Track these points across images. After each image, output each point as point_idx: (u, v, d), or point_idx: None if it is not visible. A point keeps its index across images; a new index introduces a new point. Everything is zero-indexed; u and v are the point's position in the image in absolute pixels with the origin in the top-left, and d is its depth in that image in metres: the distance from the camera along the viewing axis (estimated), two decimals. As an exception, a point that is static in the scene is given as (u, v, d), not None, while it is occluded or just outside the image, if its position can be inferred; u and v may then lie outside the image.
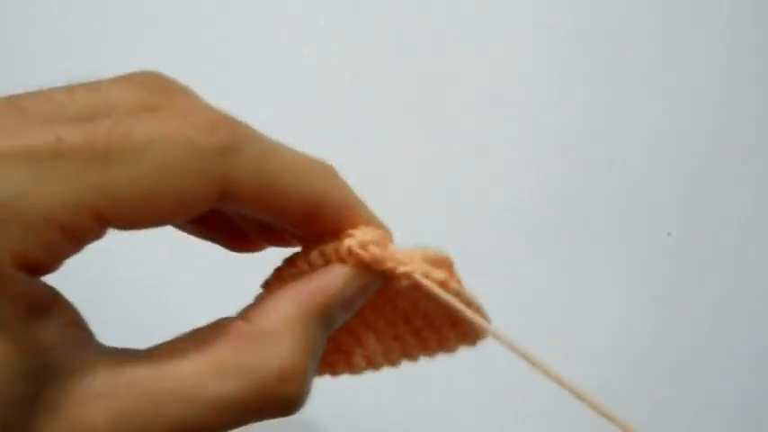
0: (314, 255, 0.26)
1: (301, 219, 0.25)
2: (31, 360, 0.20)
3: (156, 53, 0.56)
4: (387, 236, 0.28)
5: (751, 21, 0.59)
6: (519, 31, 0.58)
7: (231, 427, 0.23)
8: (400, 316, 0.30)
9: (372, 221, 0.27)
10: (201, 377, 0.22)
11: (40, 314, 0.20)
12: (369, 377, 0.31)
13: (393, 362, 0.31)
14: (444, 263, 0.28)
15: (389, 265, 0.26)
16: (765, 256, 0.57)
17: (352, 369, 0.31)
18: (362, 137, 0.55)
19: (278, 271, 0.27)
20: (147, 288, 0.51)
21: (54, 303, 0.21)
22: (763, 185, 0.57)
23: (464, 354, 0.31)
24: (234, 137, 0.22)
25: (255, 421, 0.23)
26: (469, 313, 0.28)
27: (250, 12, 0.58)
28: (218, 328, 0.24)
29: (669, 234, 0.56)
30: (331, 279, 0.25)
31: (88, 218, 0.20)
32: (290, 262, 0.27)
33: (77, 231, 0.20)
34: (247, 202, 0.23)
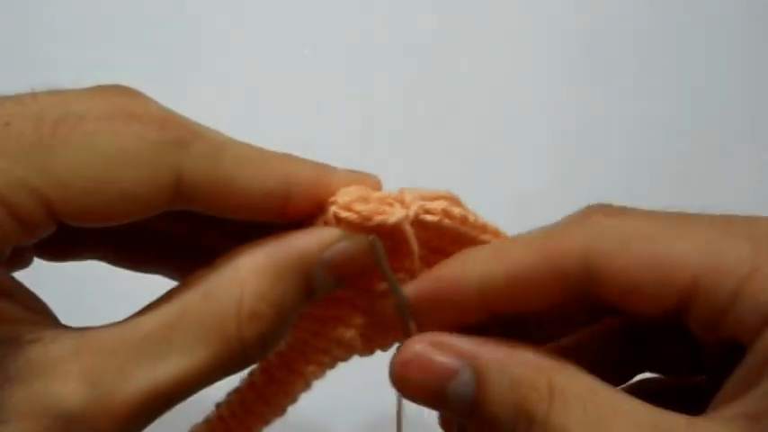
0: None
1: (271, 213, 0.24)
2: None
3: (155, 53, 0.56)
4: (373, 185, 0.26)
5: (752, 23, 0.59)
6: (522, 31, 0.58)
7: (202, 382, 0.22)
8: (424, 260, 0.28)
9: (352, 178, 0.26)
10: (169, 325, 0.22)
11: None
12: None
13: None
14: (445, 197, 0.27)
15: (380, 218, 0.25)
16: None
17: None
18: (362, 137, 0.55)
19: None
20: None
21: (14, 288, 0.22)
22: (764, 185, 0.57)
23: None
24: (183, 132, 0.22)
25: (222, 374, 0.23)
26: (479, 233, 0.27)
27: (250, 12, 0.58)
28: (185, 282, 0.24)
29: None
30: (310, 237, 0.25)
31: (32, 200, 0.20)
32: None
33: (21, 212, 0.20)
34: (203, 201, 0.23)
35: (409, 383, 0.25)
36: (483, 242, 0.27)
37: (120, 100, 0.23)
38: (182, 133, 0.22)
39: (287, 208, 0.24)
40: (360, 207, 0.25)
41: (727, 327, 0.22)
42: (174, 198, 0.22)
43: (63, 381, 0.21)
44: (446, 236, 0.27)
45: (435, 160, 0.54)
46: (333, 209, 0.25)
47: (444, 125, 0.56)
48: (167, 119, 0.23)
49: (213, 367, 0.23)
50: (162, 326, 0.22)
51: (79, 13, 0.56)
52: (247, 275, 0.23)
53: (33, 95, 0.22)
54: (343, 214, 0.25)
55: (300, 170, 0.24)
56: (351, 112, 0.56)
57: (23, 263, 0.27)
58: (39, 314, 0.22)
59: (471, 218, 0.27)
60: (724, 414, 0.22)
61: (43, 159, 0.21)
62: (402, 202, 0.26)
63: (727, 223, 0.23)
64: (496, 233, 0.28)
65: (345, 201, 0.25)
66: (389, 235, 0.25)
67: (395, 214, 0.25)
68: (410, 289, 0.26)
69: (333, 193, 0.25)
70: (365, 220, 0.25)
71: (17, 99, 0.22)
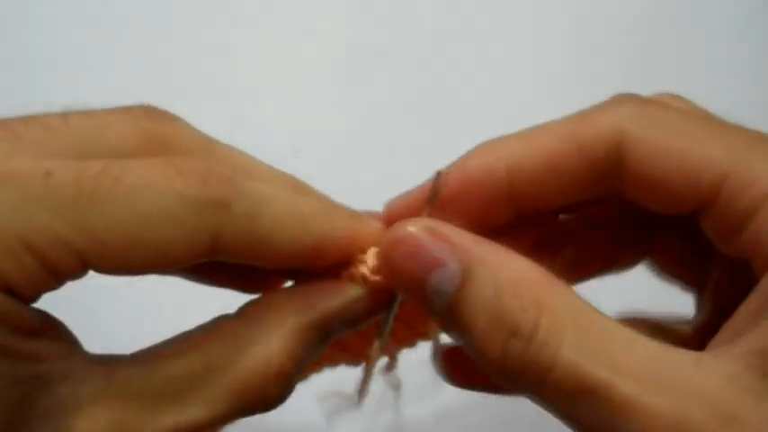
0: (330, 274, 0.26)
1: (302, 263, 0.24)
2: (20, 370, 0.20)
3: (155, 54, 0.56)
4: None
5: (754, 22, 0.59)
6: (521, 31, 0.58)
7: (220, 424, 0.23)
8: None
9: (377, 232, 0.26)
10: (193, 379, 0.22)
11: (27, 331, 0.21)
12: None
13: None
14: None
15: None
16: None
17: (334, 364, 0.31)
18: (362, 137, 0.55)
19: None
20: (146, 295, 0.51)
21: (39, 320, 0.22)
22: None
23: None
24: (225, 191, 0.22)
25: (240, 417, 0.23)
26: None
27: (250, 12, 0.58)
28: (212, 327, 0.24)
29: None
30: (336, 296, 0.25)
31: (68, 254, 0.20)
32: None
33: (56, 265, 0.20)
34: (239, 256, 0.23)
35: (394, 265, 0.24)
36: None
37: (159, 128, 0.23)
38: (223, 192, 0.22)
39: (319, 260, 0.24)
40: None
41: (743, 242, 0.21)
42: (208, 254, 0.22)
43: (90, 423, 0.21)
44: None
45: (436, 161, 0.54)
46: (362, 270, 0.25)
47: (445, 125, 0.56)
48: (209, 174, 0.22)
49: (232, 416, 0.23)
50: (187, 375, 0.22)
51: (80, 12, 0.56)
52: (277, 338, 0.24)
53: (64, 118, 0.22)
54: (372, 278, 0.25)
55: (336, 228, 0.24)
56: (350, 113, 0.56)
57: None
58: (68, 347, 0.22)
59: None
60: (732, 350, 0.21)
61: (83, 216, 0.20)
62: None
63: (760, 136, 0.22)
64: None
65: (376, 265, 0.25)
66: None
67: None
68: (430, 185, 0.25)
69: (363, 249, 0.25)
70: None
71: (46, 123, 0.22)
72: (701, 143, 0.22)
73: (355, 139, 0.55)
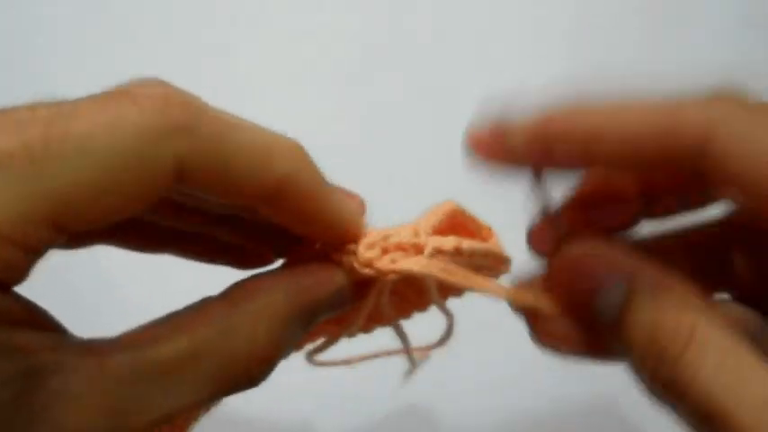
0: (317, 250, 0.26)
1: (262, 202, 0.23)
2: (13, 364, 0.20)
3: (154, 54, 0.56)
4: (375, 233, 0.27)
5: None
6: (521, 31, 0.58)
7: (205, 406, 0.23)
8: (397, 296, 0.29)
9: (342, 208, 0.25)
10: (181, 363, 0.22)
11: (12, 323, 0.20)
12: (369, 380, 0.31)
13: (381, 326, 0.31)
14: (451, 214, 0.28)
15: (395, 273, 0.26)
16: None
17: (333, 341, 0.30)
18: (362, 137, 0.55)
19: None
20: (137, 283, 0.51)
21: (28, 312, 0.21)
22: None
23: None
24: (187, 115, 0.21)
25: (222, 398, 0.24)
26: (488, 263, 0.28)
27: (250, 12, 0.58)
28: (199, 309, 0.24)
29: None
30: (325, 282, 0.25)
31: (40, 227, 0.20)
32: (295, 253, 0.27)
33: (31, 242, 0.20)
34: (203, 184, 0.22)
35: (561, 284, 0.25)
36: (484, 275, 0.28)
37: (116, 86, 0.22)
38: (186, 116, 0.21)
39: (282, 203, 0.24)
40: (379, 264, 0.25)
41: None
42: (177, 184, 0.21)
43: (84, 413, 0.21)
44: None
45: (437, 160, 0.54)
46: (354, 263, 0.25)
47: (445, 125, 0.56)
48: (167, 97, 0.21)
49: (217, 398, 0.23)
50: (176, 359, 0.22)
51: (80, 12, 0.56)
52: (263, 319, 0.23)
53: (32, 108, 0.21)
54: (362, 271, 0.25)
55: (304, 177, 0.24)
56: (350, 113, 0.56)
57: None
58: (56, 337, 0.22)
59: (478, 247, 0.27)
60: None
61: (37, 182, 0.19)
62: (416, 247, 0.26)
63: None
64: (501, 257, 0.29)
65: (366, 258, 0.25)
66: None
67: (410, 266, 0.26)
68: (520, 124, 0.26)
69: (354, 238, 0.25)
70: (382, 274, 0.26)
71: (14, 115, 0.21)
72: None
73: (355, 139, 0.55)
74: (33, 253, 0.20)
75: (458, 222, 0.28)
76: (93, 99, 0.21)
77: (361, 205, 0.27)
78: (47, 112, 0.20)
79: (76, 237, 0.22)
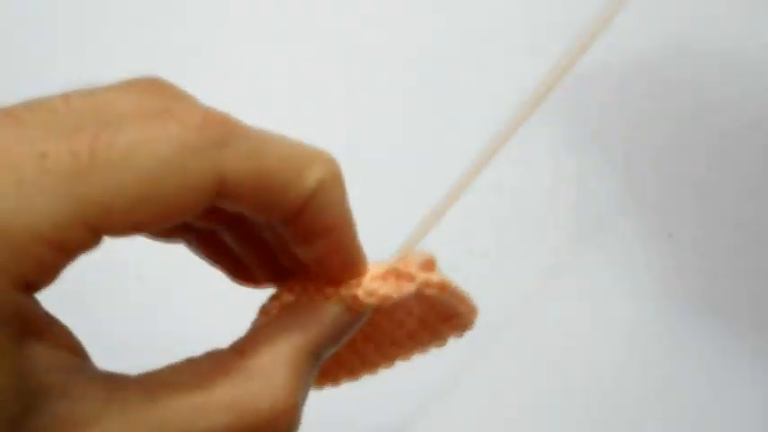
0: (312, 288, 0.26)
1: (290, 215, 0.24)
2: (22, 381, 0.20)
3: (154, 54, 0.56)
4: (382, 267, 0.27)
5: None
6: (522, 31, 0.58)
7: None
8: (396, 324, 0.31)
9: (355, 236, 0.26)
10: (195, 411, 0.22)
11: (32, 335, 0.20)
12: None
13: (390, 363, 0.32)
14: (431, 262, 0.28)
15: (392, 300, 0.27)
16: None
17: (353, 377, 0.31)
18: (362, 137, 0.55)
19: (275, 297, 0.27)
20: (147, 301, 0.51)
21: (48, 326, 0.21)
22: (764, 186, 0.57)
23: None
24: (225, 131, 0.22)
25: None
26: (465, 308, 0.29)
27: (248, 12, 0.58)
28: (211, 361, 0.24)
29: (670, 235, 0.56)
30: (323, 318, 0.26)
31: (79, 230, 0.20)
32: (287, 288, 0.27)
33: (69, 245, 0.20)
34: (241, 198, 0.23)
35: None
36: (458, 312, 0.29)
37: (155, 99, 0.23)
38: (224, 133, 0.22)
39: (298, 221, 0.24)
40: (382, 293, 0.26)
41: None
42: (216, 198, 0.22)
43: None
44: (425, 305, 0.30)
45: (436, 161, 0.54)
46: (361, 296, 0.26)
47: (445, 125, 0.56)
48: (207, 116, 0.22)
49: None
50: (189, 411, 0.22)
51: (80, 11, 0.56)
52: (277, 369, 0.24)
53: (66, 100, 0.22)
54: (366, 300, 0.26)
55: (336, 191, 0.24)
56: (350, 113, 0.56)
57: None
58: (70, 355, 0.22)
59: (459, 289, 0.29)
60: None
61: (82, 186, 0.20)
62: (409, 277, 0.27)
63: None
64: (469, 306, 0.30)
65: (371, 288, 0.26)
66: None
67: (404, 292, 0.27)
68: None
69: (357, 273, 0.26)
70: (383, 301, 0.26)
71: (49, 106, 0.21)
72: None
73: (355, 139, 0.55)
74: (66, 256, 0.20)
75: (446, 288, 0.29)
76: (136, 112, 0.22)
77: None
78: (92, 114, 0.21)
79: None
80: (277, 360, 0.24)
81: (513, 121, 0.31)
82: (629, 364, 0.54)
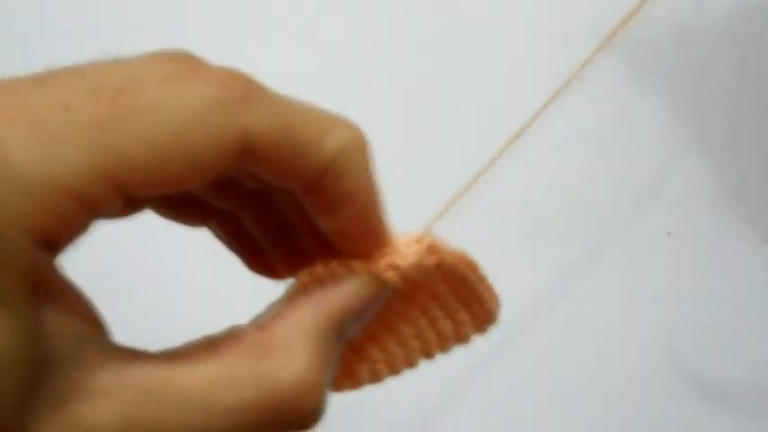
0: (335, 264, 0.26)
1: (313, 181, 0.23)
2: (34, 344, 0.19)
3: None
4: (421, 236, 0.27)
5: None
6: (522, 31, 0.58)
7: None
8: (419, 310, 0.29)
9: (380, 213, 0.25)
10: (215, 384, 0.21)
11: (47, 296, 0.19)
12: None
13: (413, 363, 0.30)
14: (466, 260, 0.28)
15: (421, 268, 0.26)
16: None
17: (376, 378, 0.30)
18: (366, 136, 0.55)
19: (299, 281, 0.26)
20: (158, 290, 0.51)
21: (64, 289, 0.20)
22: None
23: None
24: (251, 90, 0.21)
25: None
26: (489, 296, 0.28)
27: (248, 12, 0.58)
28: (232, 336, 0.23)
29: (669, 234, 0.56)
30: (346, 291, 0.25)
31: (102, 184, 0.19)
32: (311, 271, 0.26)
33: (92, 199, 0.19)
34: (267, 158, 0.22)
35: None
36: (482, 298, 0.28)
37: (181, 61, 0.22)
38: (248, 90, 0.21)
39: (318, 188, 0.23)
40: (408, 262, 0.25)
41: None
42: (241, 158, 0.21)
43: (103, 413, 0.20)
44: (450, 285, 0.28)
45: (436, 160, 0.54)
46: (385, 266, 0.25)
47: (445, 125, 0.56)
48: (232, 75, 0.21)
49: (259, 430, 0.22)
50: (209, 385, 0.21)
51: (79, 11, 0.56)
52: (299, 341, 0.23)
53: (93, 65, 0.21)
54: (392, 271, 0.25)
55: (359, 157, 0.24)
56: (350, 113, 0.56)
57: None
58: (86, 324, 0.21)
59: (480, 267, 0.28)
60: None
61: (105, 138, 0.19)
62: (436, 249, 0.26)
63: None
64: (493, 294, 0.29)
65: (397, 259, 0.25)
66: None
67: (430, 261, 0.26)
68: None
69: (385, 243, 0.25)
70: (410, 271, 0.26)
71: (74, 70, 0.21)
72: None
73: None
74: (91, 212, 0.20)
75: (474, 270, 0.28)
76: (162, 72, 0.21)
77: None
78: (117, 74, 0.21)
79: (127, 203, 0.22)
80: (299, 334, 0.23)
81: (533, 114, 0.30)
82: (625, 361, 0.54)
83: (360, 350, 0.29)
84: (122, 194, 0.20)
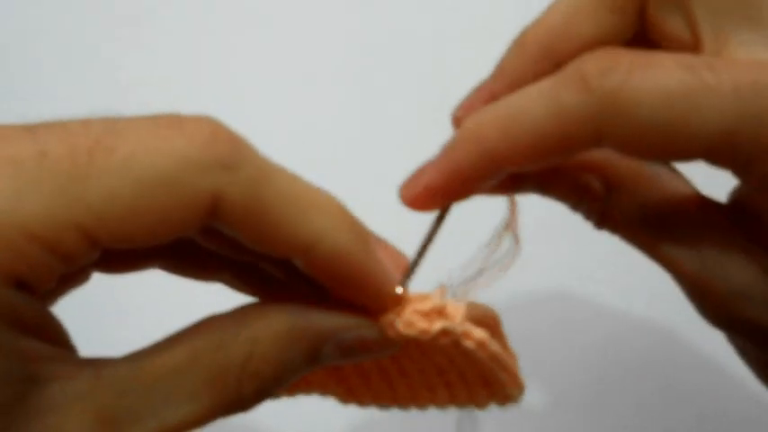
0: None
1: (296, 254, 0.23)
2: (15, 367, 0.20)
3: (153, 55, 0.56)
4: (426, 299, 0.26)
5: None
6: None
7: (199, 425, 0.23)
8: (435, 368, 0.29)
9: (379, 273, 0.25)
10: (179, 374, 0.22)
11: (25, 328, 0.20)
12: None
13: (421, 406, 0.30)
14: (490, 320, 0.27)
15: (426, 338, 0.25)
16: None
17: (379, 405, 0.30)
18: (362, 137, 0.55)
19: None
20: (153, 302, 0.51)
21: (41, 321, 0.21)
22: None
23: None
24: (232, 152, 0.21)
25: (219, 417, 0.23)
26: (508, 379, 0.27)
27: (248, 12, 0.58)
28: (202, 323, 0.24)
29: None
30: (335, 320, 0.25)
31: (72, 234, 0.20)
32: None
33: (62, 248, 0.20)
34: (236, 225, 0.22)
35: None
36: (499, 379, 0.27)
37: (167, 116, 0.22)
38: (231, 153, 0.21)
39: (311, 262, 0.23)
40: (410, 331, 0.25)
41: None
42: (209, 218, 0.22)
43: (78, 419, 0.21)
44: (467, 358, 0.27)
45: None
46: (397, 325, 0.25)
47: (445, 126, 0.56)
48: (215, 133, 0.21)
49: (213, 414, 0.23)
50: (174, 370, 0.22)
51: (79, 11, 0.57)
52: (262, 336, 0.23)
53: (85, 122, 0.21)
54: (405, 332, 0.25)
55: (331, 236, 0.23)
56: (350, 114, 0.56)
57: (82, 280, 0.27)
58: (60, 347, 0.22)
59: (503, 355, 0.27)
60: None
61: (78, 190, 0.20)
62: (449, 320, 0.26)
63: None
64: (514, 378, 0.28)
65: (408, 319, 0.25)
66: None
67: (445, 324, 0.25)
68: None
69: (396, 302, 0.25)
70: (417, 336, 0.25)
71: (66, 122, 0.21)
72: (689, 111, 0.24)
73: (355, 140, 0.55)
74: (63, 260, 0.20)
75: (486, 350, 0.27)
76: (144, 121, 0.21)
77: (404, 268, 0.26)
78: (98, 126, 0.21)
79: (118, 258, 0.22)
80: (268, 333, 0.23)
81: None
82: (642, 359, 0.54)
83: (369, 382, 0.29)
84: (95, 245, 0.21)
